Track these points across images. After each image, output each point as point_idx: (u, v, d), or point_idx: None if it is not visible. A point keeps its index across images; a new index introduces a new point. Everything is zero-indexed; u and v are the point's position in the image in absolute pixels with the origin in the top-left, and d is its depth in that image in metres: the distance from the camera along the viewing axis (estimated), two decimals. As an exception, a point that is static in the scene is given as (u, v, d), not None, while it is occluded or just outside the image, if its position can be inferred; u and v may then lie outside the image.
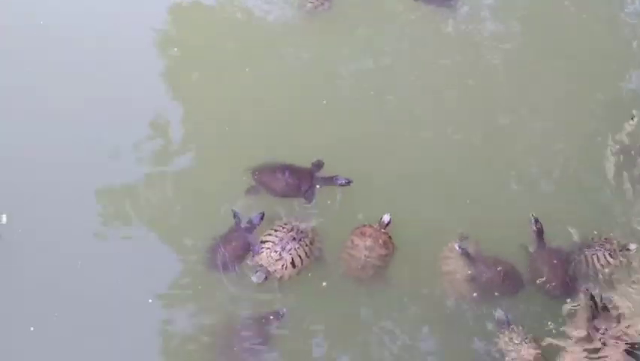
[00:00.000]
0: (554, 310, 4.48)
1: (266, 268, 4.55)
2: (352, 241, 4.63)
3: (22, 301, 4.46)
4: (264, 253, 4.56)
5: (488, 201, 4.95)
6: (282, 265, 4.53)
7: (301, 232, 4.65)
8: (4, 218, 4.72)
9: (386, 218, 4.71)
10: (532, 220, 4.77)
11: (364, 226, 4.71)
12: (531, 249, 4.74)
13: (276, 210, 4.86)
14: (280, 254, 4.53)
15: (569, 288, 4.55)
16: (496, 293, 4.57)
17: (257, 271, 4.56)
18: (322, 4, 5.82)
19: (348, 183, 4.87)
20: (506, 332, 4.38)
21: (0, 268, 4.55)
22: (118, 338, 4.35)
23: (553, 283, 4.56)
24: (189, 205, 4.89)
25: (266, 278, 4.55)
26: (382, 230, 4.69)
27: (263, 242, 4.63)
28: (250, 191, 4.89)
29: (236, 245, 4.64)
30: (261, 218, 4.72)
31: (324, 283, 4.63)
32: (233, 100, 5.37)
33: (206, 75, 5.50)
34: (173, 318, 4.51)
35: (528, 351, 4.22)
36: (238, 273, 4.60)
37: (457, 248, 4.59)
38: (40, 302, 4.45)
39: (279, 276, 4.56)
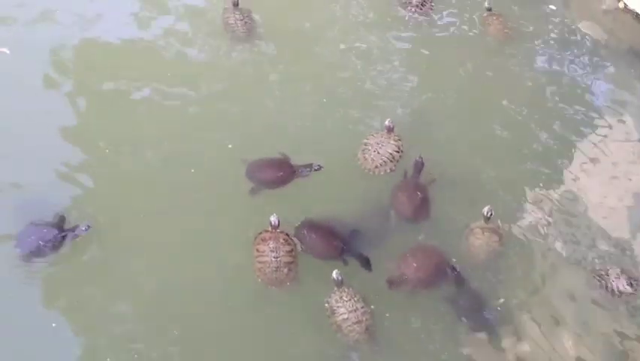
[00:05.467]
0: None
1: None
2: (257, 250, 4.85)
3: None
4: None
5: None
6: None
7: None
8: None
9: (273, 220, 4.93)
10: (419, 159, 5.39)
11: (260, 233, 4.95)
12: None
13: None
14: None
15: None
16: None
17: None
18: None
19: (320, 167, 5.39)
20: (337, 292, 4.67)
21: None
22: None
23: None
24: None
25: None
26: (277, 231, 4.94)
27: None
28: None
29: None
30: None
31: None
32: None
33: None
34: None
35: None
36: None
37: None
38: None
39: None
